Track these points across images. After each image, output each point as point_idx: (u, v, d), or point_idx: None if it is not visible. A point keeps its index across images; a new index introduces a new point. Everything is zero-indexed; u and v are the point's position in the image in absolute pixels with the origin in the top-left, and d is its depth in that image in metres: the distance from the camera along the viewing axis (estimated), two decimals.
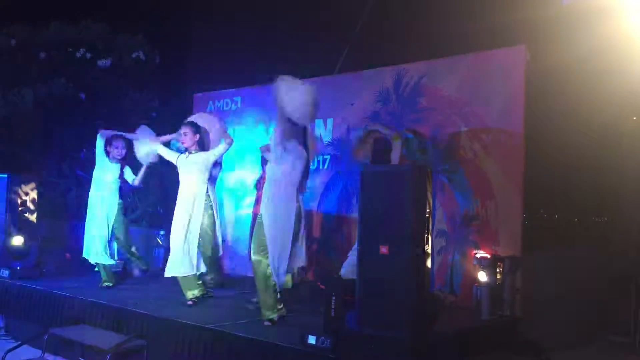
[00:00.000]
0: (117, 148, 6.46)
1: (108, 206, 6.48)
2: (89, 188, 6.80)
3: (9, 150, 9.03)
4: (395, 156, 5.49)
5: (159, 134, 6.30)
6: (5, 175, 7.23)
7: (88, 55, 9.32)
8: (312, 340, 4.17)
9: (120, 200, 6.63)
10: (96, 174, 6.52)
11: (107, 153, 6.49)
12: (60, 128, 9.15)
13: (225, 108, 8.33)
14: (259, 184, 6.15)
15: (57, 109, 8.75)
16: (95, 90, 9.26)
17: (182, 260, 5.63)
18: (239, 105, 8.16)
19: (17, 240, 6.89)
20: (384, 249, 4.14)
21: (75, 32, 9.41)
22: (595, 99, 6.27)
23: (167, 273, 5.68)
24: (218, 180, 6.63)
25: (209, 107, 8.54)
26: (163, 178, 9.15)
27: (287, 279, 5.51)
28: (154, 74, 9.76)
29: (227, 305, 5.73)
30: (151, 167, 6.53)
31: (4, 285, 6.61)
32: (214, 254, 6.07)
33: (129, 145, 6.45)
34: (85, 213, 6.65)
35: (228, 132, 6.44)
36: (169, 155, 6.01)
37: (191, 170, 5.80)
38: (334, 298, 4.35)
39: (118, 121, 9.12)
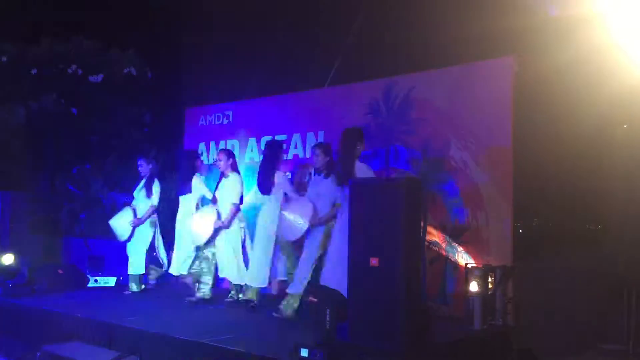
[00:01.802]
0: None
1: None
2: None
3: (0, 167, 9.02)
4: None
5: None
6: None
7: (80, 71, 9.34)
8: (304, 353, 4.17)
9: None
10: None
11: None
12: (52, 144, 9.15)
13: (216, 122, 8.35)
14: None
15: (49, 125, 8.76)
16: (87, 106, 9.27)
17: None
18: (230, 119, 8.19)
19: (8, 259, 6.85)
20: (374, 261, 4.16)
21: (67, 48, 9.44)
22: (585, 107, 6.31)
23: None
24: None
25: (200, 121, 8.56)
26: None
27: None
28: (145, 89, 9.78)
29: (221, 319, 5.72)
30: None
31: None
32: None
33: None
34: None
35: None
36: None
37: None
38: (328, 311, 4.35)
39: (110, 136, 9.16)
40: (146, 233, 7.04)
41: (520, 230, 6.88)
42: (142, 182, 7.10)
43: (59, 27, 9.54)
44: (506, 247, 5.57)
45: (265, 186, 6.06)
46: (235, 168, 6.47)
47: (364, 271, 4.24)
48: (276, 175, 6.04)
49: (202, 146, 8.58)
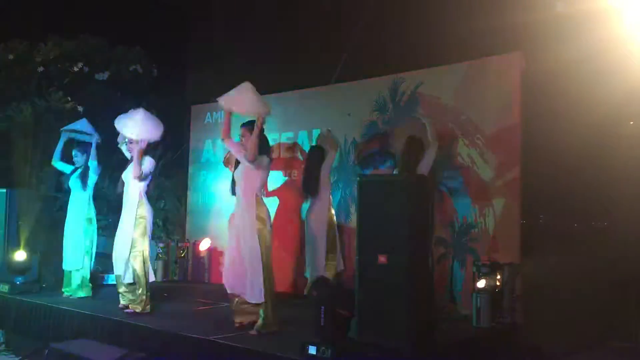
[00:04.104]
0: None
1: None
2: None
3: (7, 165, 9.03)
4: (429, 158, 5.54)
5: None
6: (4, 190, 7.24)
7: (86, 69, 9.33)
8: (312, 350, 4.17)
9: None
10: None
11: None
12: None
13: (222, 119, 8.34)
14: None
15: (56, 123, 8.77)
16: (94, 104, 9.26)
17: None
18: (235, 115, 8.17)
19: (20, 255, 6.86)
20: (382, 259, 4.15)
21: (73, 46, 9.43)
22: (592, 103, 6.28)
23: None
24: None
25: (206, 118, 8.57)
26: (163, 189, 9.15)
27: None
28: (151, 87, 9.78)
29: (227, 317, 5.72)
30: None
31: (4, 300, 6.60)
32: None
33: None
34: None
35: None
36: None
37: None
38: (323, 308, 4.35)
39: (116, 134, 9.16)
40: (81, 228, 6.70)
41: (527, 227, 6.87)
42: (76, 173, 6.80)
43: (65, 25, 9.54)
44: (513, 244, 5.57)
45: (313, 188, 6.20)
46: None
47: (372, 269, 4.23)
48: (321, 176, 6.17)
49: (208, 143, 8.59)
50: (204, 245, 8.16)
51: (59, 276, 6.92)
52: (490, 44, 6.18)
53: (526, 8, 6.22)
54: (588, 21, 5.91)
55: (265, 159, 5.07)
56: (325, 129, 6.66)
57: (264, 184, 5.41)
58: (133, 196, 5.98)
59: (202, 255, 8.21)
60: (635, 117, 6.88)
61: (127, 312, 5.75)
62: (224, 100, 5.15)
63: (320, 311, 4.36)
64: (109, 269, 6.88)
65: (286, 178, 7.46)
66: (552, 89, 6.29)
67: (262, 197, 5.12)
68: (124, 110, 6.82)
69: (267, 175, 5.23)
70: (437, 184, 5.89)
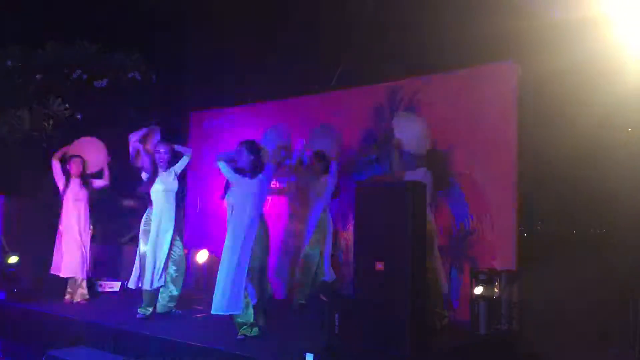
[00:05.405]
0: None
1: None
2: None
3: (5, 171, 9.03)
4: None
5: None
6: (1, 197, 7.24)
7: (84, 75, 9.34)
8: (310, 358, 4.16)
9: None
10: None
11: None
12: (57, 149, 9.16)
13: (221, 126, 8.36)
14: None
15: (54, 130, 8.78)
16: (92, 111, 9.27)
17: None
18: (235, 123, 8.19)
19: (12, 259, 6.87)
20: (379, 266, 4.16)
21: (71, 53, 9.45)
22: (589, 110, 6.30)
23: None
24: None
25: (205, 125, 8.58)
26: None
27: None
28: (150, 94, 9.78)
29: (224, 324, 5.71)
30: None
31: (1, 307, 6.58)
32: None
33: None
34: None
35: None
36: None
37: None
38: (337, 315, 4.34)
39: (115, 141, 9.16)
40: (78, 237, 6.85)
41: (525, 234, 6.88)
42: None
43: (63, 31, 9.56)
44: (511, 251, 5.57)
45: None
46: None
47: (369, 275, 4.24)
48: None
49: (207, 150, 8.60)
50: (202, 257, 8.15)
51: (56, 283, 6.91)
52: (486, 52, 6.20)
53: (522, 16, 6.25)
54: (583, 28, 5.94)
55: (257, 181, 5.00)
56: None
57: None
58: (166, 208, 6.09)
59: (200, 263, 8.19)
60: (632, 123, 6.89)
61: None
62: None
63: (334, 318, 4.34)
64: (105, 275, 6.91)
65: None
66: (548, 96, 6.31)
67: (262, 213, 5.08)
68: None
69: (267, 193, 5.17)
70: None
